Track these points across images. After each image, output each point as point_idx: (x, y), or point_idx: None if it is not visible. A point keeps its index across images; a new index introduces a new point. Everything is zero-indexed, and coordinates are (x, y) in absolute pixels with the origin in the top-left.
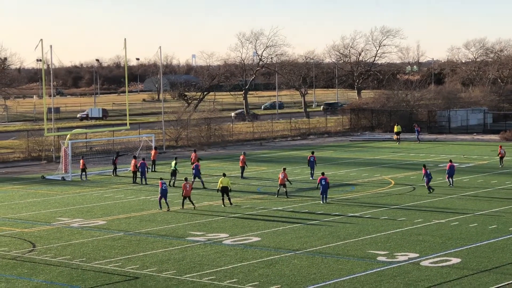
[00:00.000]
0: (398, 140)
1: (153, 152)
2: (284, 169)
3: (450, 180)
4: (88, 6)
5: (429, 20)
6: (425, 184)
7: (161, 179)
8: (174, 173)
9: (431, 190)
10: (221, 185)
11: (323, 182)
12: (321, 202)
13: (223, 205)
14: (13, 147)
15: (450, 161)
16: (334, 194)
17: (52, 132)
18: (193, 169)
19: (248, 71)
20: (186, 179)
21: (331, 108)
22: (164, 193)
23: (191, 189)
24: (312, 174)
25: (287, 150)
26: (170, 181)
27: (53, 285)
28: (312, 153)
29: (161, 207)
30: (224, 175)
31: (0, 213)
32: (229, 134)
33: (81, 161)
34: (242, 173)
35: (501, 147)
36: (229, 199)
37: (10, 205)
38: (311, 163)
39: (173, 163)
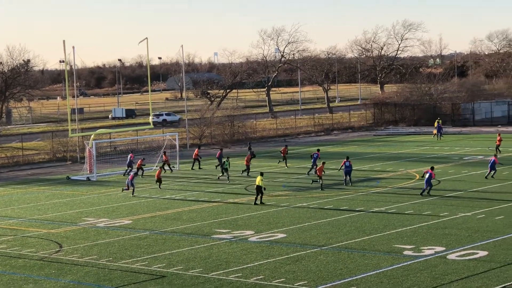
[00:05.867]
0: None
1: (196, 150)
2: (324, 163)
3: (492, 173)
4: (109, 6)
5: (451, 12)
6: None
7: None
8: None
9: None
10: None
11: (347, 164)
12: (344, 184)
13: (254, 204)
14: (38, 148)
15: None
16: (358, 189)
17: (76, 132)
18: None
19: (270, 68)
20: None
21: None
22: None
23: (159, 173)
24: (310, 170)
25: (311, 146)
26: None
27: (80, 285)
28: (318, 150)
29: (128, 188)
30: (261, 174)
31: (26, 214)
32: (252, 131)
33: (139, 161)
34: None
35: None
36: (257, 198)
37: (36, 206)
38: (314, 160)
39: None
